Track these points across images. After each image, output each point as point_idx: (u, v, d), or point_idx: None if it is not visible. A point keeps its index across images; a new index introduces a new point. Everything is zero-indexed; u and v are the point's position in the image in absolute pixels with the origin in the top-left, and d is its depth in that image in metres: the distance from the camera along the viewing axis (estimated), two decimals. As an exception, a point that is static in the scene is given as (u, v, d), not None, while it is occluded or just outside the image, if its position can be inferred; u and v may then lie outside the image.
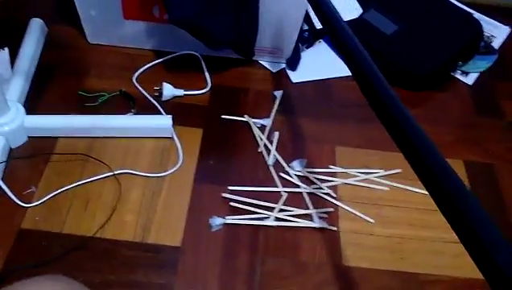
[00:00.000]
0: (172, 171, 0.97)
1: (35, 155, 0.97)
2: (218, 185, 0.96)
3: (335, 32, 0.87)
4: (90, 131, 1.00)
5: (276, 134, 1.05)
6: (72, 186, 0.93)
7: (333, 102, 1.14)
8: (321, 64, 1.21)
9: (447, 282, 0.88)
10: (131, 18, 1.10)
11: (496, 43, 1.31)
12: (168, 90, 1.08)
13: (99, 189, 0.94)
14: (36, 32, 1.13)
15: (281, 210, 0.94)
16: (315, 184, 0.99)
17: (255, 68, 1.19)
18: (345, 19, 1.22)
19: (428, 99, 1.19)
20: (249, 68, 1.18)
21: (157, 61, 1.15)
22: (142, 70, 1.13)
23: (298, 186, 0.98)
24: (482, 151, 1.09)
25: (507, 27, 1.36)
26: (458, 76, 1.24)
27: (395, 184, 0.99)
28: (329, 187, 0.98)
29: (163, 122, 1.01)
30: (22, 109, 0.97)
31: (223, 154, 1.02)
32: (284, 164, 1.01)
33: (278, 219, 0.93)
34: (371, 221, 0.95)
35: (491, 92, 1.22)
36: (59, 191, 0.92)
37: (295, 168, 1.00)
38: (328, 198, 0.97)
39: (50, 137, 1.00)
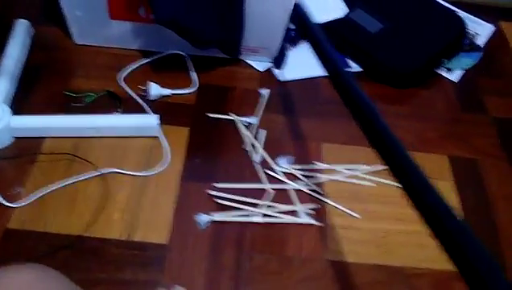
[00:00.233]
0: (159, 169, 0.98)
1: (22, 155, 0.97)
2: (205, 183, 0.97)
3: (308, 32, 0.92)
4: (76, 131, 1.00)
5: (263, 132, 1.06)
6: (58, 186, 0.93)
7: (319, 100, 1.15)
8: (307, 62, 1.20)
9: (431, 275, 0.89)
10: (117, 18, 1.10)
11: (480, 41, 1.33)
12: (155, 90, 1.08)
13: (86, 189, 0.94)
14: (22, 33, 1.13)
15: (268, 207, 0.94)
16: (301, 180, 1.00)
17: (242, 67, 1.19)
18: (331, 19, 1.24)
19: (414, 96, 1.20)
20: (236, 67, 1.19)
21: (144, 61, 1.16)
22: (128, 70, 1.13)
23: (284, 183, 0.99)
24: (467, 146, 1.11)
25: (491, 25, 1.37)
26: (443, 73, 1.25)
27: (381, 180, 1.00)
28: (316, 183, 0.99)
29: (149, 121, 1.02)
30: (7, 110, 0.97)
31: (210, 152, 1.03)
32: (271, 162, 1.02)
33: (264, 216, 0.93)
34: (357, 216, 0.96)
35: (475, 88, 1.23)
36: (46, 191, 0.92)
37: (282, 165, 1.01)
38: (315, 194, 0.98)
39: (36, 137, 1.00)
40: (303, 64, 1.21)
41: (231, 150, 1.03)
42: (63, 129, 1.00)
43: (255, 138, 1.05)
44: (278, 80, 1.17)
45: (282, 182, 0.99)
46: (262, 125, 1.08)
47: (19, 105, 1.03)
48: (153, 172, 0.97)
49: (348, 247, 0.92)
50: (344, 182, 1.01)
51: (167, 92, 1.10)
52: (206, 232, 0.91)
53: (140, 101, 1.08)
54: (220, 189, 0.96)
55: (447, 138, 1.11)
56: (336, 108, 1.12)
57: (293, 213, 0.95)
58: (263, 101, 1.11)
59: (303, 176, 1.00)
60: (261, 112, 1.10)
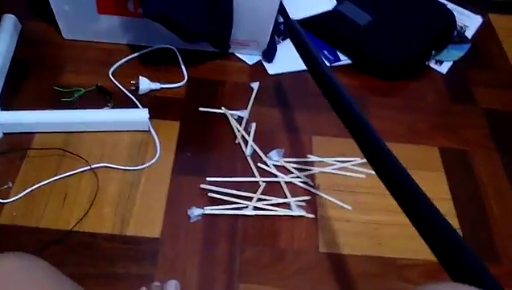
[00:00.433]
0: (150, 163, 0.97)
1: (11, 150, 0.96)
2: (196, 177, 0.96)
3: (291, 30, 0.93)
4: (67, 126, 1.00)
5: (253, 126, 1.06)
6: (49, 181, 0.93)
7: (310, 93, 1.15)
8: (297, 55, 1.21)
9: (423, 266, 0.89)
10: (106, 12, 1.09)
11: (469, 33, 1.33)
12: (145, 84, 1.08)
13: (76, 183, 0.94)
14: (9, 28, 1.12)
15: (259, 200, 0.95)
16: (292, 173, 1.00)
17: (232, 60, 1.19)
18: (319, 11, 1.24)
19: (403, 88, 1.21)
20: (226, 60, 1.19)
21: (133, 56, 1.15)
22: (118, 65, 1.13)
23: (276, 176, 0.99)
24: (457, 137, 1.11)
25: (479, 17, 1.38)
26: (432, 65, 1.25)
27: (371, 172, 0.99)
28: (307, 176, 0.99)
29: (139, 116, 1.01)
30: (-4, 106, 0.97)
31: (201, 146, 1.02)
32: (262, 155, 1.02)
33: (256, 208, 0.93)
34: (348, 208, 0.96)
35: (464, 80, 1.24)
36: (37, 186, 0.92)
37: (273, 158, 1.01)
38: (306, 187, 0.98)
39: (26, 133, 0.99)
40: (292, 57, 1.20)
41: (222, 143, 1.03)
42: (53, 124, 0.99)
43: (246, 131, 1.05)
44: (268, 74, 1.17)
45: (273, 175, 0.99)
46: (252, 118, 1.07)
47: (8, 100, 1.03)
48: (144, 166, 0.97)
49: (341, 239, 0.92)
50: (335, 174, 1.01)
51: (156, 86, 1.09)
52: (198, 225, 0.91)
53: (130, 95, 1.07)
54: (211, 183, 0.96)
55: (437, 130, 1.12)
56: (326, 101, 1.12)
57: (285, 205, 0.95)
58: (253, 95, 1.11)
59: (294, 168, 1.00)
60: (251, 105, 1.09)
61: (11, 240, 0.85)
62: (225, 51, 1.18)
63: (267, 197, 0.95)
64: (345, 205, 0.96)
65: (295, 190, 0.97)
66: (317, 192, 0.97)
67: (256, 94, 1.12)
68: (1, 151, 0.96)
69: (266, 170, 1.00)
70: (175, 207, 0.92)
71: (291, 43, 1.14)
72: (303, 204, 0.95)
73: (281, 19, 1.21)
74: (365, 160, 1.00)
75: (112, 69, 1.11)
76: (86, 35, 1.16)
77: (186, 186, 0.95)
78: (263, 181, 0.97)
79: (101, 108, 1.04)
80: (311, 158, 1.02)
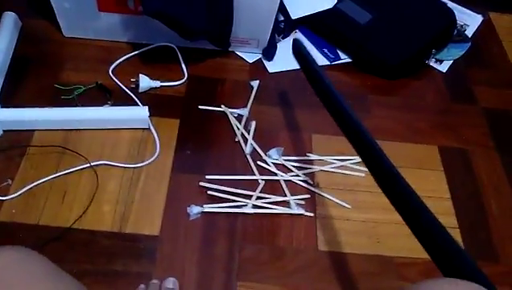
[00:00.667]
0: (149, 161, 0.98)
1: (11, 148, 0.96)
2: (196, 175, 0.96)
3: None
4: (66, 124, 1.00)
5: (253, 124, 1.06)
6: (48, 178, 0.93)
7: (309, 91, 1.14)
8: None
9: (421, 264, 0.89)
10: (106, 10, 1.10)
11: (469, 32, 1.33)
12: (145, 82, 1.08)
13: (76, 181, 0.94)
14: (9, 26, 1.12)
15: (258, 198, 0.95)
16: (292, 171, 1.00)
17: (232, 58, 1.19)
18: (320, 9, 1.24)
19: (403, 87, 1.20)
20: (226, 58, 1.19)
21: (133, 53, 1.15)
22: (118, 62, 1.13)
23: (275, 174, 0.99)
24: (457, 136, 1.11)
25: (479, 16, 1.38)
26: (432, 63, 1.25)
27: (371, 170, 1.00)
28: (306, 174, 0.99)
29: (139, 113, 1.01)
30: (-4, 103, 0.97)
31: (200, 144, 1.03)
32: (261, 153, 1.02)
33: (255, 207, 0.94)
34: (347, 206, 0.96)
35: (464, 79, 1.24)
36: (36, 183, 0.92)
37: (272, 157, 1.01)
38: (305, 185, 0.98)
39: (26, 130, 0.99)
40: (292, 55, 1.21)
41: (222, 141, 1.03)
42: (53, 121, 0.99)
43: (246, 129, 1.05)
44: (268, 72, 1.17)
45: (272, 173, 0.99)
46: (252, 116, 1.08)
47: (7, 98, 1.03)
48: (143, 164, 0.97)
49: (340, 237, 0.92)
50: (334, 173, 1.01)
51: (156, 84, 1.09)
52: (197, 223, 0.91)
53: (130, 93, 1.07)
54: (211, 181, 0.96)
55: (437, 129, 1.12)
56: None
57: (284, 203, 0.95)
58: (253, 93, 1.11)
59: (293, 167, 1.00)
60: (251, 103, 1.10)
61: (10, 237, 0.85)
62: (225, 49, 1.18)
63: (267, 196, 0.95)
64: (344, 204, 0.96)
65: (294, 188, 0.97)
66: (316, 191, 0.97)
67: (256, 92, 1.12)
68: (0, 149, 0.96)
69: (265, 168, 1.00)
70: (174, 205, 0.92)
71: (290, 41, 1.14)
72: (303, 202, 0.95)
73: (281, 17, 1.21)
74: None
75: (112, 67, 1.12)
76: (86, 33, 1.16)
77: (185, 184, 0.95)
78: (263, 179, 0.97)
79: (101, 106, 1.04)
80: (311, 156, 1.02)
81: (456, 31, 1.28)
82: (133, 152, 0.99)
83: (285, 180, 0.98)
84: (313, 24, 1.26)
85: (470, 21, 1.36)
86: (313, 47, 1.23)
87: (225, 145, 1.03)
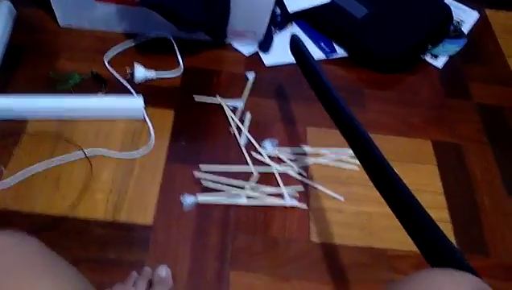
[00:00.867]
0: (144, 151, 0.98)
1: (5, 136, 0.96)
2: (190, 165, 0.97)
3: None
4: (61, 113, 1.00)
5: (248, 115, 1.06)
6: (43, 167, 0.93)
7: (305, 84, 1.14)
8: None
9: (413, 257, 0.89)
10: (102, 0, 1.09)
11: (465, 28, 1.34)
12: (140, 72, 1.08)
13: (70, 170, 0.94)
14: (4, 14, 1.12)
15: (252, 189, 0.95)
16: (286, 163, 1.00)
17: (228, 50, 1.19)
18: (316, 4, 1.24)
19: (399, 82, 1.21)
20: (222, 50, 1.19)
21: (129, 44, 1.15)
22: (114, 53, 1.13)
23: (269, 166, 0.99)
24: (451, 131, 1.11)
25: (475, 12, 1.39)
26: (428, 59, 1.26)
27: (365, 163, 1.01)
28: (300, 166, 1.00)
29: (134, 103, 1.01)
30: (-10, 91, 0.97)
31: (195, 134, 1.03)
32: (256, 144, 1.02)
33: (249, 198, 0.94)
34: (341, 198, 0.96)
35: (460, 74, 1.24)
36: (30, 172, 0.92)
37: (267, 148, 1.01)
38: (299, 177, 0.98)
39: (19, 118, 0.99)
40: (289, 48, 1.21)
41: (217, 132, 1.03)
42: (47, 110, 0.99)
43: (241, 121, 1.05)
44: (265, 64, 1.17)
45: (267, 165, 0.99)
46: (247, 108, 1.08)
47: (2, 86, 1.03)
48: (138, 154, 0.97)
49: (332, 229, 0.92)
50: (328, 165, 1.01)
51: (152, 74, 1.09)
52: (191, 213, 0.91)
53: (125, 83, 1.07)
54: (205, 171, 0.96)
55: (431, 124, 1.12)
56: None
57: (278, 195, 0.95)
58: (249, 85, 1.11)
59: (288, 159, 1.00)
60: (246, 95, 1.10)
61: (3, 225, 0.85)
62: (222, 41, 1.18)
63: (260, 187, 0.95)
64: (338, 196, 0.96)
65: (288, 180, 0.98)
66: (310, 183, 0.98)
67: (252, 85, 1.12)
68: (-6, 137, 0.96)
69: (259, 160, 1.00)
70: (168, 195, 0.93)
71: (287, 34, 1.14)
72: (296, 194, 0.96)
73: (278, 10, 1.21)
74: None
75: (107, 57, 1.11)
76: (82, 23, 1.16)
77: (179, 174, 0.96)
78: (257, 171, 0.97)
79: (96, 95, 1.04)
80: (305, 148, 1.03)
81: (452, 27, 1.28)
82: (127, 142, 0.99)
83: (279, 172, 0.98)
84: (310, 18, 1.26)
85: (466, 17, 1.37)
86: (310, 40, 1.23)
87: (219, 136, 1.03)
